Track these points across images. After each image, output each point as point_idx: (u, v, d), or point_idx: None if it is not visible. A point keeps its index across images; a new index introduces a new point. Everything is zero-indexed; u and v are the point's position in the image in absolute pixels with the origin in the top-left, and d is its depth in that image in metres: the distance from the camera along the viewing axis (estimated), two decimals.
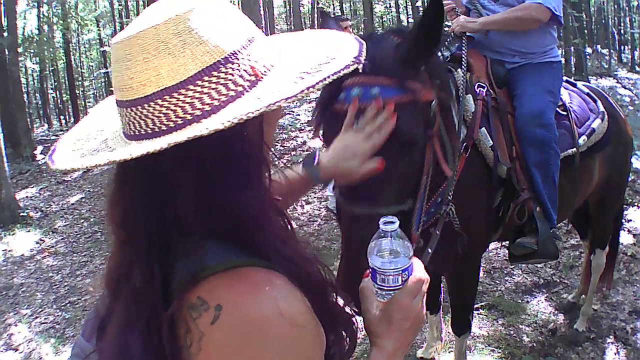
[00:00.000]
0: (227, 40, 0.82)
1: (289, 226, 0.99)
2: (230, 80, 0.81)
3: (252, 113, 0.75)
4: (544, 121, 2.87)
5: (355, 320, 1.02)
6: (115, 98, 0.86)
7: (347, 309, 1.02)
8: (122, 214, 0.89)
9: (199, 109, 0.79)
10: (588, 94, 3.46)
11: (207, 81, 0.79)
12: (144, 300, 0.83)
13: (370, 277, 1.08)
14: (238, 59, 0.82)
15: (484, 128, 2.73)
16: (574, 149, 3.09)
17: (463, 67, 2.79)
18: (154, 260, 0.84)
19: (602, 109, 3.36)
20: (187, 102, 0.79)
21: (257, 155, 0.89)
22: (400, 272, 1.04)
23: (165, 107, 0.79)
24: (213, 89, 0.79)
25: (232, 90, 0.81)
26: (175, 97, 0.78)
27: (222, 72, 0.80)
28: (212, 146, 0.81)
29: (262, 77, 0.84)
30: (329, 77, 0.80)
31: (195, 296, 0.80)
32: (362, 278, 1.14)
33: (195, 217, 0.83)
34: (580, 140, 3.13)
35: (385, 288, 1.06)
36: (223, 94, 0.80)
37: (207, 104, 0.79)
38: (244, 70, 0.82)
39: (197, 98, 0.79)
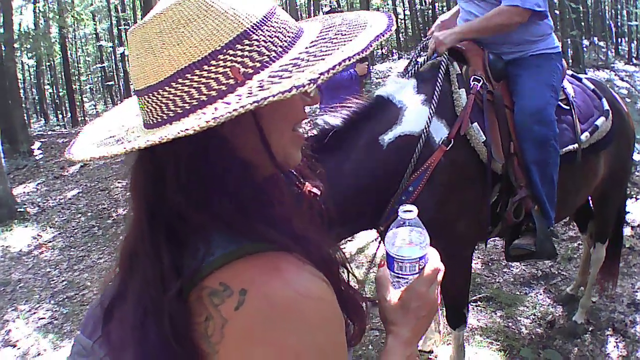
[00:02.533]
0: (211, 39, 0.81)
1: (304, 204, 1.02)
2: (212, 78, 0.80)
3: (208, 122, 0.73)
4: (544, 118, 2.83)
5: (366, 305, 1.02)
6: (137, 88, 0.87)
7: (358, 294, 1.02)
8: (134, 194, 0.90)
9: (172, 109, 0.81)
10: (593, 91, 3.41)
11: (180, 82, 0.80)
12: (150, 283, 0.83)
13: (387, 265, 1.09)
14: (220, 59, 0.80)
15: (476, 123, 2.71)
16: (576, 144, 3.05)
17: (443, 67, 2.81)
18: (161, 246, 0.83)
19: (606, 107, 3.31)
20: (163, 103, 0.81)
21: (238, 155, 0.87)
22: (417, 260, 1.05)
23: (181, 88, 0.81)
24: (194, 87, 0.80)
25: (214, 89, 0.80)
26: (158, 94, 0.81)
27: (203, 72, 0.80)
28: (188, 144, 0.81)
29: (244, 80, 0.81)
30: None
31: (217, 282, 0.78)
32: (379, 267, 1.14)
33: (186, 208, 0.83)
34: (583, 137, 3.09)
35: (402, 276, 1.06)
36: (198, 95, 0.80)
37: (179, 106, 0.80)
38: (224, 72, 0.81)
39: (170, 100, 0.81)
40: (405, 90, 2.78)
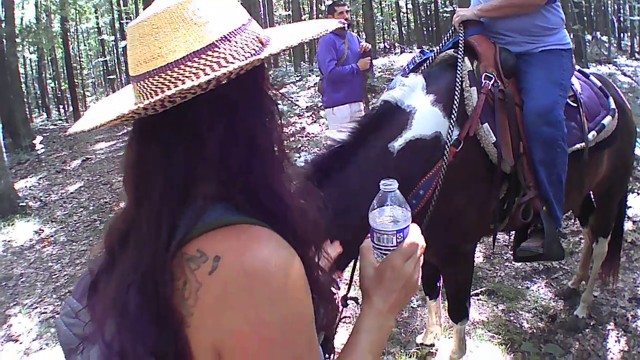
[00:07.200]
0: (238, 16, 0.97)
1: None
2: (245, 44, 0.95)
3: (262, 58, 0.91)
4: (552, 119, 2.80)
5: (337, 294, 1.09)
6: (135, 74, 0.94)
7: (330, 278, 1.10)
8: (142, 173, 0.95)
9: (224, 66, 0.90)
10: (600, 88, 3.39)
11: (228, 45, 0.92)
12: (145, 252, 0.89)
13: (370, 237, 1.13)
14: (247, 30, 0.96)
15: (487, 123, 2.69)
16: (583, 143, 3.04)
17: (459, 65, 2.78)
18: (164, 215, 0.90)
19: (613, 105, 3.30)
20: (214, 62, 0.90)
21: (271, 103, 1.01)
22: (395, 232, 1.09)
23: (195, 67, 0.90)
24: (234, 50, 0.92)
25: (248, 52, 0.94)
26: (203, 58, 0.90)
27: (238, 39, 0.94)
28: (237, 89, 0.93)
29: (265, 45, 0.98)
30: (319, 33, 0.98)
31: (195, 249, 0.86)
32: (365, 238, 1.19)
33: (220, 160, 0.92)
34: (590, 136, 3.08)
35: (381, 247, 1.11)
36: (242, 54, 0.93)
37: (230, 62, 0.91)
38: (252, 38, 0.97)
39: (222, 57, 0.91)
40: (415, 92, 2.70)
